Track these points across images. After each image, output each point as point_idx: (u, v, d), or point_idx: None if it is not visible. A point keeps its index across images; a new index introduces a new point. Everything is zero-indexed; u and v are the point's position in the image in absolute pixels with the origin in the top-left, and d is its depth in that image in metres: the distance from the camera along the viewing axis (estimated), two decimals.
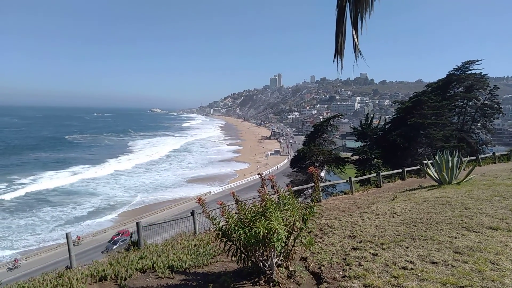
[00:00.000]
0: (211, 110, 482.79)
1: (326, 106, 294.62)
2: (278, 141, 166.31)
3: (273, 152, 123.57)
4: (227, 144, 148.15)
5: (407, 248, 6.06)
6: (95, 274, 5.81)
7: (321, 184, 15.68)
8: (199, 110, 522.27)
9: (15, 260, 35.77)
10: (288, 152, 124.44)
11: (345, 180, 15.41)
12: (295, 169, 39.67)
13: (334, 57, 2.28)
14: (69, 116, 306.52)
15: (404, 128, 36.16)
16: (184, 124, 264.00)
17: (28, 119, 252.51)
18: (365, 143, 39.22)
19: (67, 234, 9.28)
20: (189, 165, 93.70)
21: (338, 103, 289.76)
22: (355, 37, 2.14)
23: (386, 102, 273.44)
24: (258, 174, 6.65)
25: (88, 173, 76.05)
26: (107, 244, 37.49)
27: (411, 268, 5.14)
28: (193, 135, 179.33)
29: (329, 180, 33.42)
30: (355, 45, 2.14)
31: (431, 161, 14.90)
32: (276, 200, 5.69)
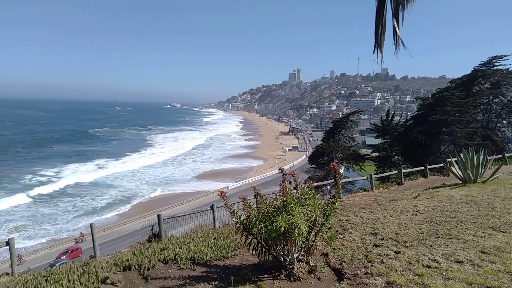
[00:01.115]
0: (230, 105, 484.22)
1: (345, 102, 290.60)
2: (296, 137, 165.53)
3: (291, 148, 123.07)
4: (245, 140, 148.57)
5: (430, 246, 5.95)
6: (119, 263, 5.96)
7: (343, 180, 15.55)
8: (218, 105, 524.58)
9: (81, 234, 39.00)
10: (306, 148, 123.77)
11: (365, 177, 15.22)
12: (313, 165, 39.39)
13: (374, 49, 2.24)
14: (91, 110, 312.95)
15: (426, 125, 35.30)
16: (205, 119, 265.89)
17: (52, 113, 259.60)
18: (385, 140, 38.57)
19: (91, 225, 9.55)
20: (208, 160, 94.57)
21: (358, 99, 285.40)
22: (396, 28, 2.09)
23: (408, 98, 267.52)
24: (279, 169, 6.65)
25: (111, 167, 77.53)
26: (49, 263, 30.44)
27: (435, 267, 5.05)
28: (213, 130, 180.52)
29: (348, 177, 33.12)
30: (396, 36, 2.09)
31: (455, 158, 14.52)
32: (297, 195, 5.69)
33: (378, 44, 2.21)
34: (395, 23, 2.11)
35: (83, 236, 39.91)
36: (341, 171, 41.86)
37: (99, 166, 78.52)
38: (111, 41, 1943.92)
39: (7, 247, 7.98)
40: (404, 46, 2.17)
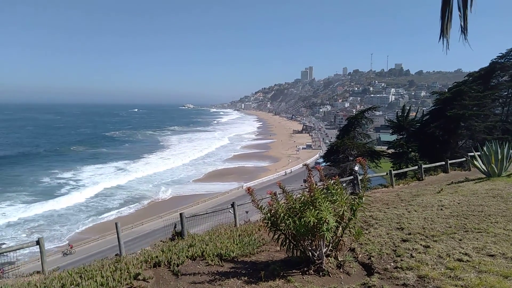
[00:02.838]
0: (242, 104, 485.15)
1: (359, 98, 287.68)
2: (309, 135, 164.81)
3: (305, 146, 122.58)
4: (259, 138, 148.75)
5: (460, 240, 5.87)
6: (149, 260, 6.07)
7: (359, 177, 15.43)
8: (231, 105, 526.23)
9: (69, 246, 37.38)
10: (320, 146, 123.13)
11: (385, 173, 15.07)
12: (328, 163, 39.14)
13: (440, 37, 2.23)
14: (108, 113, 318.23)
15: (443, 120, 34.65)
16: (222, 120, 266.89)
17: (70, 116, 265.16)
18: (401, 136, 38.08)
19: (116, 224, 9.72)
20: (222, 159, 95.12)
21: (372, 95, 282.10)
22: (463, 15, 2.08)
23: (423, 93, 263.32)
24: (304, 165, 6.67)
25: (133, 171, 78.39)
26: None
27: (467, 260, 4.99)
28: (231, 129, 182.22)
29: (363, 174, 32.70)
30: (466, 24, 2.07)
31: (477, 153, 14.25)
32: (324, 190, 5.69)
33: (444, 32, 2.20)
34: (462, 10, 2.08)
35: (71, 248, 38.13)
36: (356, 168, 41.66)
37: (122, 169, 79.48)
38: (123, 42, 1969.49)
39: (37, 246, 8.22)
40: (465, 37, 2.15)
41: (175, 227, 10.57)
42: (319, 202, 5.25)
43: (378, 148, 44.71)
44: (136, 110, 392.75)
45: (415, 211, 8.21)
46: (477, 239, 5.85)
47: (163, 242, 9.67)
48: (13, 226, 45.54)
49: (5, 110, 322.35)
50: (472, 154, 14.38)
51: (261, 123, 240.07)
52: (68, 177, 70.75)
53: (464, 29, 2.12)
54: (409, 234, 6.50)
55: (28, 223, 46.59)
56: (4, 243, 39.95)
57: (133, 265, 5.82)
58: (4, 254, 8.86)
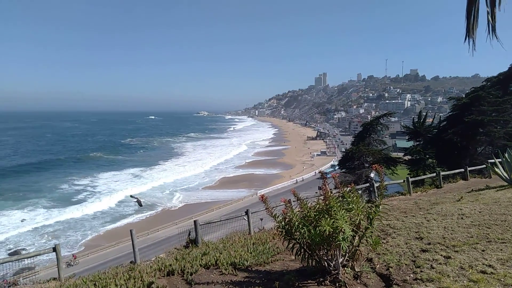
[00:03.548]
0: (256, 111, 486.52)
1: (374, 104, 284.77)
2: (324, 141, 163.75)
3: (319, 153, 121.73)
4: (273, 145, 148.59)
5: (483, 251, 5.64)
6: (163, 268, 6.04)
7: (375, 184, 15.15)
8: (245, 112, 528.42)
9: (73, 256, 36.24)
10: (335, 153, 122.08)
11: (402, 180, 14.76)
12: (343, 170, 38.71)
13: (465, 38, 2.14)
14: (124, 121, 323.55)
15: (461, 126, 33.91)
16: (237, 126, 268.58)
17: (87, 124, 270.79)
18: (418, 143, 37.44)
19: (131, 231, 9.76)
20: (238, 165, 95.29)
21: (387, 101, 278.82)
22: (491, 13, 1.99)
23: (439, 99, 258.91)
24: (319, 172, 6.56)
25: (148, 178, 79.27)
26: None
27: (491, 272, 4.77)
28: (246, 136, 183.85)
29: (379, 181, 32.18)
30: (494, 23, 1.97)
31: (498, 159, 13.82)
32: (340, 198, 5.56)
33: (470, 32, 2.11)
34: (490, 9, 1.99)
35: (75, 259, 36.97)
36: (372, 175, 41.14)
37: (137, 175, 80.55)
38: (133, 55, 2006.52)
39: (54, 252, 8.30)
40: (495, 36, 2.05)
41: (189, 234, 10.55)
42: (335, 210, 5.12)
43: (394, 154, 44.05)
44: (152, 117, 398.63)
45: (435, 220, 7.96)
46: (501, 250, 5.61)
47: (177, 249, 9.65)
48: (32, 232, 46.45)
49: (25, 118, 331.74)
50: (492, 160, 13.95)
51: (276, 129, 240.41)
52: (85, 184, 72.04)
53: (492, 29, 2.02)
54: (429, 244, 6.29)
55: (45, 228, 47.50)
56: (24, 249, 40.76)
57: (147, 273, 5.79)
58: (22, 260, 8.98)
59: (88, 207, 56.33)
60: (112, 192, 65.12)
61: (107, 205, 57.36)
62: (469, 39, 2.13)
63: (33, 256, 8.10)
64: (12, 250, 40.34)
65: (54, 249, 8.15)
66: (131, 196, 46.88)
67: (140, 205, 47.98)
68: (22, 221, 49.69)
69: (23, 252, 37.63)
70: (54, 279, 8.17)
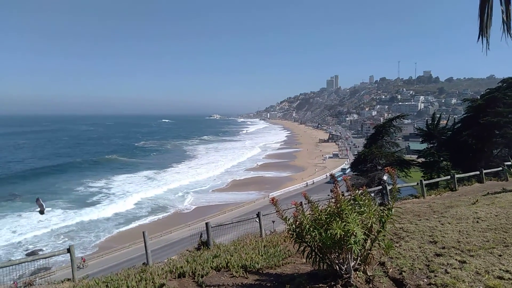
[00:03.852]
0: (268, 114, 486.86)
1: (386, 107, 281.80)
2: (336, 144, 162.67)
3: (331, 155, 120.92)
4: (285, 147, 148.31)
5: (500, 256, 5.51)
6: (174, 270, 6.07)
7: (388, 187, 14.97)
8: (256, 115, 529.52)
9: (82, 259, 36.18)
10: (347, 155, 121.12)
11: (416, 183, 14.56)
12: (355, 173, 38.36)
13: (479, 37, 2.10)
14: (138, 124, 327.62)
15: (476, 128, 33.33)
16: (250, 129, 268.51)
17: (102, 127, 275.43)
18: (431, 145, 36.90)
19: (143, 233, 9.85)
20: (249, 168, 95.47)
21: (400, 103, 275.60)
22: (506, 13, 1.94)
23: (453, 100, 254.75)
24: (331, 175, 6.52)
25: (162, 180, 79.95)
26: None
27: (509, 278, 4.65)
28: (259, 138, 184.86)
29: (392, 184, 31.74)
30: (509, 22, 1.93)
31: None
32: (351, 201, 5.51)
33: (483, 30, 2.07)
34: (505, 7, 1.94)
35: (84, 262, 36.89)
36: (385, 178, 40.69)
37: (151, 178, 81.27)
38: (139, 64, 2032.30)
39: (68, 253, 8.43)
40: (510, 34, 2.00)
41: (201, 236, 10.59)
42: (346, 213, 5.07)
43: (407, 157, 43.49)
44: (167, 120, 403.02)
45: (449, 224, 7.81)
46: None
47: (189, 251, 9.70)
48: (49, 233, 47.33)
49: (43, 122, 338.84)
50: (509, 163, 13.64)
51: (288, 132, 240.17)
52: (100, 186, 73.12)
53: (507, 27, 1.96)
54: (443, 248, 6.17)
55: (60, 229, 48.34)
56: (41, 250, 41.53)
57: (158, 275, 5.83)
58: (37, 260, 9.15)
59: (103, 209, 57.15)
60: (126, 194, 65.94)
61: (121, 207, 58.06)
62: (482, 38, 2.08)
63: (48, 257, 8.25)
64: (29, 251, 41.17)
65: (69, 250, 8.29)
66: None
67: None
68: (38, 222, 50.69)
69: (40, 252, 38.32)
70: (68, 279, 8.30)
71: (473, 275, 4.89)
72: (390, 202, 5.72)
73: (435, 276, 5.04)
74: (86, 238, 46.14)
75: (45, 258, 8.28)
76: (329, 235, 5.02)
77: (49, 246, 42.61)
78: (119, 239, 45.42)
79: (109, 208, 57.50)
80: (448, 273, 5.07)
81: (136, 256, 36.11)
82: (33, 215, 53.30)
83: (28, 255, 37.78)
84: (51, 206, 57.82)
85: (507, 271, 4.86)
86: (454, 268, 5.19)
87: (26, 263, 8.77)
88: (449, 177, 16.28)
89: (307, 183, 75.26)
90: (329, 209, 5.37)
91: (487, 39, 2.08)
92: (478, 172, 16.91)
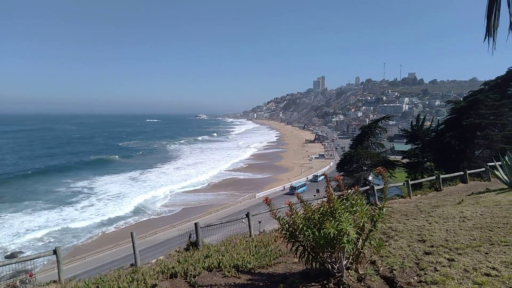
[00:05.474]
0: (255, 114, 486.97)
1: (372, 108, 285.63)
2: (322, 144, 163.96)
3: (318, 156, 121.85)
4: (270, 148, 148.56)
5: (486, 253, 5.64)
6: (166, 271, 6.01)
7: (375, 187, 15.17)
8: (243, 115, 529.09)
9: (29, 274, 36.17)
10: (333, 156, 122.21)
11: (402, 183, 14.79)
12: (341, 173, 38.73)
13: (485, 37, 2.14)
14: (123, 123, 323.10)
15: (459, 130, 34.06)
16: (240, 130, 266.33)
17: (84, 126, 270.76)
18: (416, 146, 37.55)
19: (131, 233, 9.72)
20: (232, 168, 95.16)
21: (385, 104, 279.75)
22: None
23: (437, 102, 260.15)
24: (323, 175, 6.55)
25: (146, 180, 79.07)
26: None
27: (496, 275, 4.77)
28: (248, 139, 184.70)
29: (378, 184, 32.24)
30: None
31: (498, 162, 13.86)
32: (344, 201, 5.55)
33: (490, 31, 2.11)
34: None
35: (31, 276, 36.73)
36: (370, 178, 41.19)
37: (134, 178, 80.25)
38: (137, 52, 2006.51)
39: (54, 255, 8.25)
40: None
41: (189, 237, 10.50)
42: (339, 213, 5.12)
43: (392, 158, 44.14)
44: (154, 120, 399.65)
45: (436, 223, 7.97)
46: (504, 252, 5.61)
47: (178, 252, 9.61)
48: (30, 233, 46.20)
49: (26, 121, 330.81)
50: (492, 164, 13.98)
51: (277, 132, 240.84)
52: (82, 186, 71.85)
53: None
54: (432, 246, 6.29)
55: (42, 230, 47.23)
56: (21, 251, 40.43)
57: (150, 275, 5.76)
58: (23, 261, 8.91)
59: (84, 209, 56.15)
60: (108, 195, 64.98)
61: (103, 208, 57.15)
62: (489, 38, 2.13)
63: (34, 259, 8.05)
64: (8, 253, 40.10)
65: (55, 252, 8.11)
66: None
67: None
68: (21, 222, 49.53)
69: (19, 255, 37.31)
70: (54, 281, 8.12)
71: (461, 272, 5.00)
72: (378, 202, 5.80)
73: (425, 274, 5.13)
74: (67, 239, 45.24)
75: (31, 259, 8.07)
76: (322, 234, 5.05)
77: (28, 249, 41.58)
78: (102, 241, 44.69)
79: (90, 209, 56.58)
80: (437, 270, 5.17)
81: (120, 257, 35.68)
82: (18, 217, 51.97)
83: (7, 257, 36.78)
84: (32, 207, 56.56)
85: (493, 268, 4.98)
86: (443, 266, 5.30)
87: (4, 266, 8.49)
88: (434, 177, 16.61)
89: (284, 186, 72.42)
90: (322, 208, 5.41)
91: (493, 39, 2.13)
92: (462, 173, 17.30)
